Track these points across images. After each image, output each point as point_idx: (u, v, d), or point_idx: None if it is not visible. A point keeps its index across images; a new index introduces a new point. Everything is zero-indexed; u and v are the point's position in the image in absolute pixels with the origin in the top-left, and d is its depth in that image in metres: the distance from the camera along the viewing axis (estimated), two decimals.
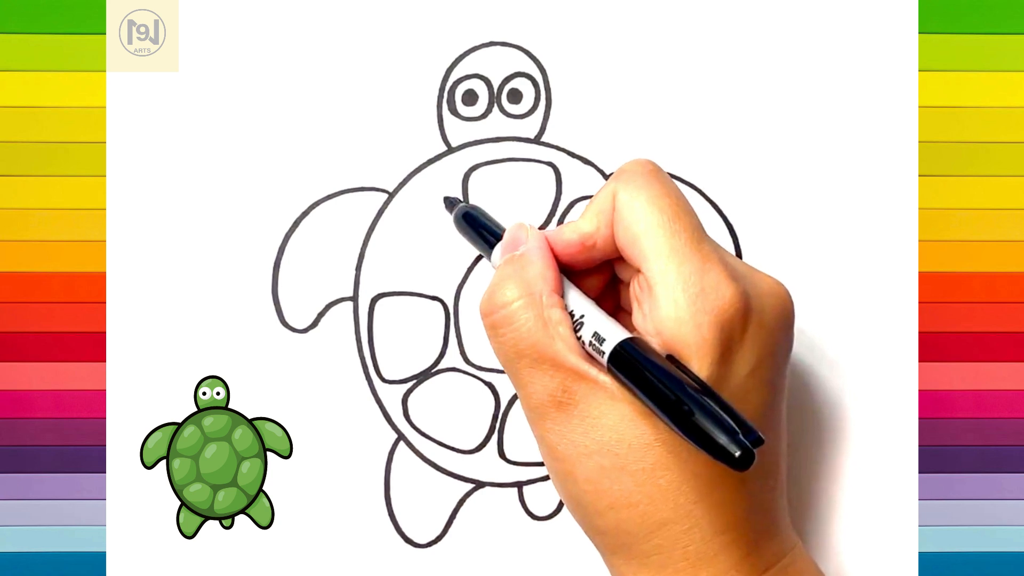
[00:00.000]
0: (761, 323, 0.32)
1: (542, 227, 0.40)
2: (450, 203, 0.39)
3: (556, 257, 0.34)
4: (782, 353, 0.33)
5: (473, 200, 0.40)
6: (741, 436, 0.27)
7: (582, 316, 0.33)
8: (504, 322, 0.33)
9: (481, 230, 0.37)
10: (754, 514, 0.32)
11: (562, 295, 0.33)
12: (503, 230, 0.36)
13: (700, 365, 0.31)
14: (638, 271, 0.32)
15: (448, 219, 0.39)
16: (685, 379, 0.30)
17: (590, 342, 0.32)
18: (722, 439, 0.27)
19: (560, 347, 0.32)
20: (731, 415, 0.28)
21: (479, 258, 0.40)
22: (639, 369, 0.30)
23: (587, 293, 0.34)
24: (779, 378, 0.33)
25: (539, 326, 0.32)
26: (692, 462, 0.31)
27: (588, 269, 0.35)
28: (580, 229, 0.34)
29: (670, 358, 0.31)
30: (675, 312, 0.31)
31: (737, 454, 0.27)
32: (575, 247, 0.34)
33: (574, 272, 0.35)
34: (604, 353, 0.31)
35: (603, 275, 0.36)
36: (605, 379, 0.31)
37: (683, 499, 0.31)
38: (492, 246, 0.36)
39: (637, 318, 0.33)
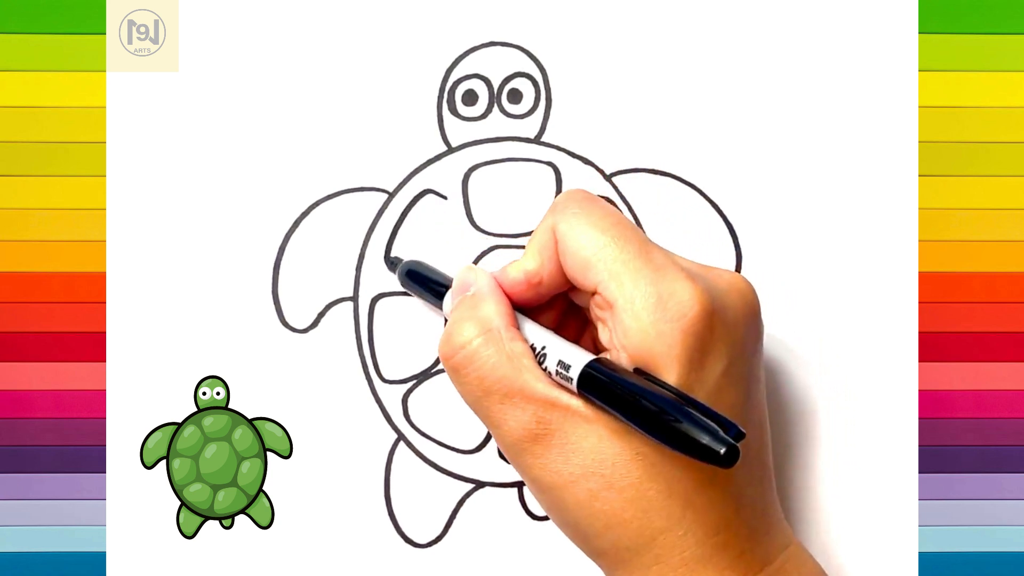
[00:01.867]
0: (725, 320, 0.32)
1: None
2: (391, 263, 0.39)
3: (507, 296, 0.34)
4: (751, 346, 0.33)
5: (473, 200, 0.40)
6: (723, 434, 0.28)
7: (543, 347, 0.33)
8: (466, 362, 0.33)
9: (428, 283, 0.37)
10: (745, 511, 0.32)
11: (519, 329, 0.34)
12: (449, 280, 0.36)
13: (671, 374, 0.31)
14: (594, 293, 0.33)
15: (448, 218, 0.39)
16: (657, 389, 0.30)
17: (556, 371, 0.32)
18: (704, 439, 0.28)
19: (528, 378, 0.32)
20: (709, 415, 0.28)
21: (479, 258, 0.40)
22: (609, 388, 0.30)
23: (544, 326, 0.34)
24: (752, 372, 0.33)
25: (503, 360, 0.32)
26: (676, 469, 0.31)
27: (540, 305, 0.35)
28: (524, 267, 0.34)
29: (638, 371, 0.31)
30: (637, 325, 0.31)
31: (722, 451, 0.27)
32: (521, 285, 0.34)
33: (528, 309, 0.35)
34: (572, 379, 0.31)
35: (557, 308, 0.36)
36: (577, 404, 0.31)
37: (673, 507, 0.31)
38: (442, 296, 0.36)
39: (603, 337, 0.33)
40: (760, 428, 0.34)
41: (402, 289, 0.39)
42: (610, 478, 0.31)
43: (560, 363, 0.32)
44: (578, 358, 0.31)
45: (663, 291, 0.31)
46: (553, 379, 0.32)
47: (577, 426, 0.31)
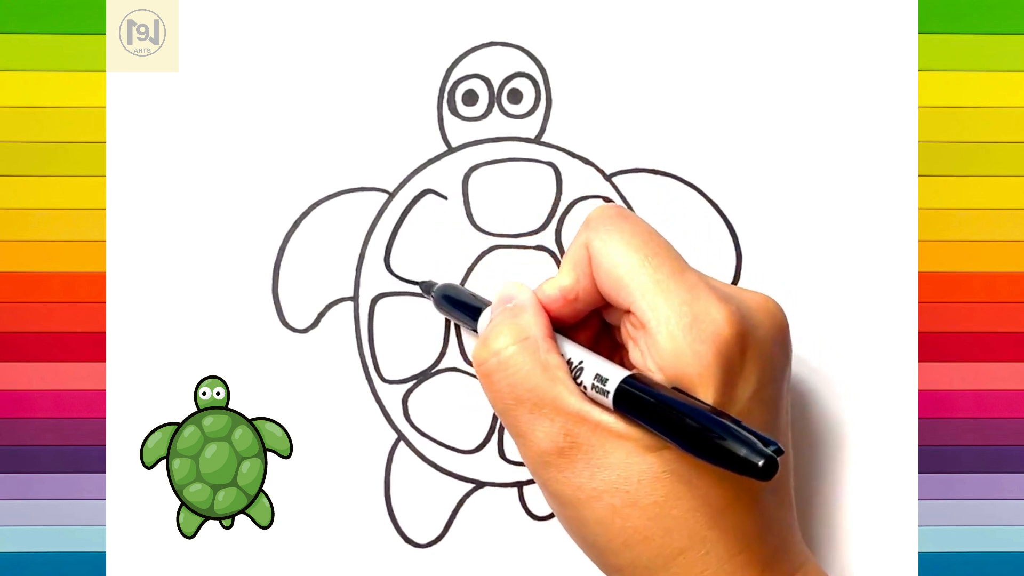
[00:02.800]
0: (757, 342, 0.32)
1: (543, 227, 0.40)
2: (425, 288, 0.39)
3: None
4: (780, 369, 0.33)
5: (473, 200, 0.40)
6: (761, 446, 0.28)
7: (580, 362, 0.33)
8: (500, 368, 0.33)
9: (464, 304, 0.37)
10: (767, 532, 0.32)
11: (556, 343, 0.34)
12: (485, 301, 0.37)
13: (705, 393, 0.31)
14: (627, 312, 0.33)
15: (448, 218, 0.39)
16: (697, 403, 0.30)
17: (592, 384, 0.32)
18: (743, 451, 0.27)
19: (560, 390, 0.32)
20: (746, 430, 0.28)
21: (479, 258, 0.40)
22: (646, 402, 0.30)
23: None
24: (780, 395, 0.33)
25: (537, 371, 0.32)
26: (703, 488, 0.31)
27: (575, 324, 0.35)
28: (560, 284, 0.34)
29: (675, 389, 0.31)
30: (672, 345, 0.31)
31: (760, 463, 0.27)
32: (558, 302, 0.34)
33: (563, 327, 0.35)
34: (608, 392, 0.31)
35: (591, 328, 0.36)
36: (608, 419, 0.31)
37: (697, 526, 0.31)
38: (477, 316, 0.36)
39: (635, 356, 0.32)
40: (786, 453, 0.34)
41: (402, 289, 0.39)
42: (634, 495, 0.31)
43: (597, 376, 0.32)
44: (615, 373, 0.31)
45: (697, 311, 0.31)
46: (586, 395, 0.32)
47: (606, 441, 0.31)
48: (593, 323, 0.36)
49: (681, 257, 0.33)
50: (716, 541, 0.31)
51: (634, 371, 0.32)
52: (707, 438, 0.28)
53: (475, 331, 0.36)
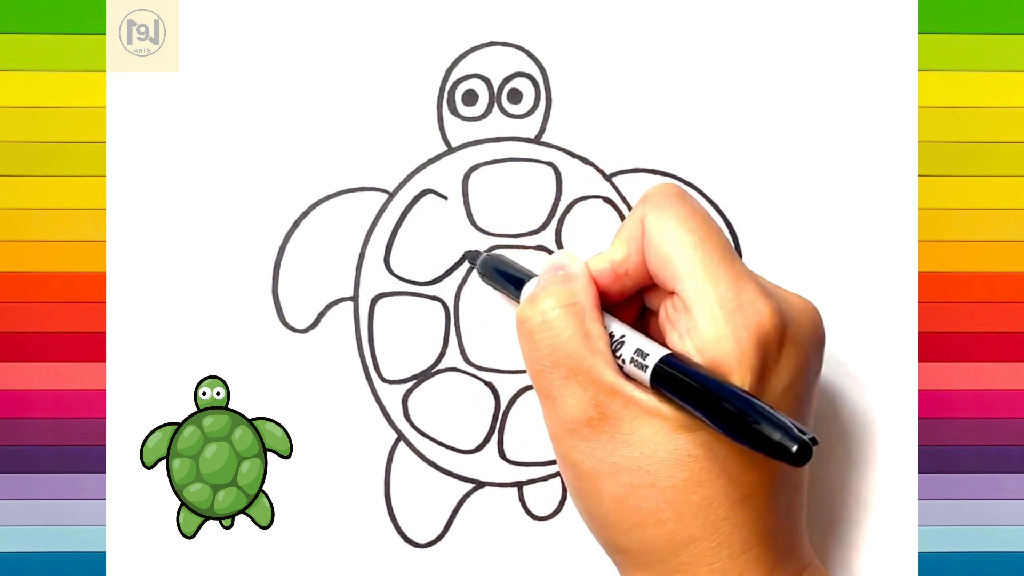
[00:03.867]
0: (795, 340, 0.32)
1: (543, 227, 0.40)
2: (470, 257, 0.39)
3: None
4: (814, 371, 0.33)
5: (473, 200, 0.40)
6: (796, 431, 0.28)
7: (622, 336, 0.33)
8: (543, 328, 0.33)
9: (510, 275, 0.37)
10: (779, 531, 0.32)
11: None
12: (529, 274, 0.36)
13: (741, 379, 0.31)
14: (670, 294, 0.33)
15: (448, 218, 0.39)
16: (734, 386, 0.30)
17: (632, 359, 0.32)
18: (777, 435, 0.28)
19: (598, 360, 0.32)
20: (782, 417, 0.28)
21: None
22: (684, 381, 0.30)
23: None
24: (810, 396, 0.33)
25: (579, 338, 0.32)
26: (724, 478, 0.31)
27: (618, 303, 0.35)
28: (611, 257, 0.34)
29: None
30: (714, 329, 0.31)
31: (794, 448, 0.27)
32: (608, 276, 0.34)
33: (608, 305, 0.35)
34: (648, 368, 0.31)
35: (631, 310, 0.36)
36: (641, 395, 0.31)
37: (712, 516, 0.31)
38: (521, 287, 0.36)
39: (672, 339, 0.33)
40: None
41: (402, 289, 0.39)
42: (655, 475, 0.31)
43: (638, 351, 0.32)
44: (656, 350, 0.32)
45: (743, 300, 0.31)
46: (622, 370, 0.32)
47: (635, 417, 0.31)
48: (634, 306, 0.36)
49: (731, 246, 0.33)
50: (729, 534, 0.31)
51: (674, 351, 0.32)
52: (744, 421, 0.28)
53: (518, 301, 0.36)
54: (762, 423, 0.28)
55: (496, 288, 0.38)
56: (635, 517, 0.31)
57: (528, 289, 0.36)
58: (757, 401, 0.29)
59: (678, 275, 0.32)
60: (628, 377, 0.32)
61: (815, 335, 0.33)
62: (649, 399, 0.31)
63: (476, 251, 0.39)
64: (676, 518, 0.31)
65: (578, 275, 0.34)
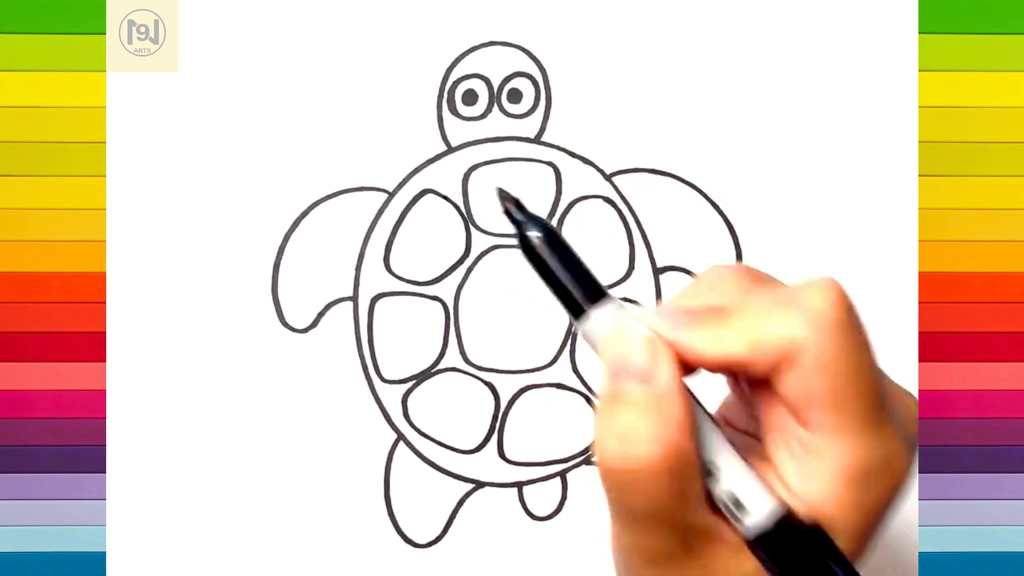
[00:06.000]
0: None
1: None
2: (513, 207, 0.27)
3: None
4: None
5: (473, 200, 0.40)
6: None
7: (714, 465, 0.27)
8: (637, 486, 0.26)
9: (576, 277, 0.27)
10: None
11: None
12: (599, 289, 0.27)
13: (847, 546, 0.27)
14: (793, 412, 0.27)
15: (447, 217, 0.39)
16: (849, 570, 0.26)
17: (723, 501, 0.26)
18: None
19: (691, 508, 0.26)
20: None
21: (479, 257, 0.40)
22: (794, 554, 0.26)
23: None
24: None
25: (675, 495, 0.26)
26: None
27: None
28: (727, 350, 0.26)
29: (818, 527, 0.27)
30: (837, 494, 0.26)
31: None
32: (713, 367, 0.26)
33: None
34: (741, 522, 0.26)
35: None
36: (730, 535, 0.27)
37: None
38: (576, 295, 0.27)
39: (784, 466, 0.27)
40: None
41: (401, 289, 0.39)
42: None
43: (734, 499, 0.26)
44: (759, 503, 0.26)
45: (874, 458, 0.26)
46: (712, 502, 0.27)
47: (721, 554, 0.27)
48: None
49: (881, 388, 0.27)
50: None
51: (780, 503, 0.26)
52: None
53: (570, 310, 0.27)
54: None
55: (542, 275, 0.27)
56: None
57: (595, 331, 0.27)
58: None
59: (815, 421, 0.26)
60: (717, 511, 0.27)
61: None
62: (733, 535, 0.27)
63: (518, 202, 0.27)
64: None
65: (671, 403, 0.25)
